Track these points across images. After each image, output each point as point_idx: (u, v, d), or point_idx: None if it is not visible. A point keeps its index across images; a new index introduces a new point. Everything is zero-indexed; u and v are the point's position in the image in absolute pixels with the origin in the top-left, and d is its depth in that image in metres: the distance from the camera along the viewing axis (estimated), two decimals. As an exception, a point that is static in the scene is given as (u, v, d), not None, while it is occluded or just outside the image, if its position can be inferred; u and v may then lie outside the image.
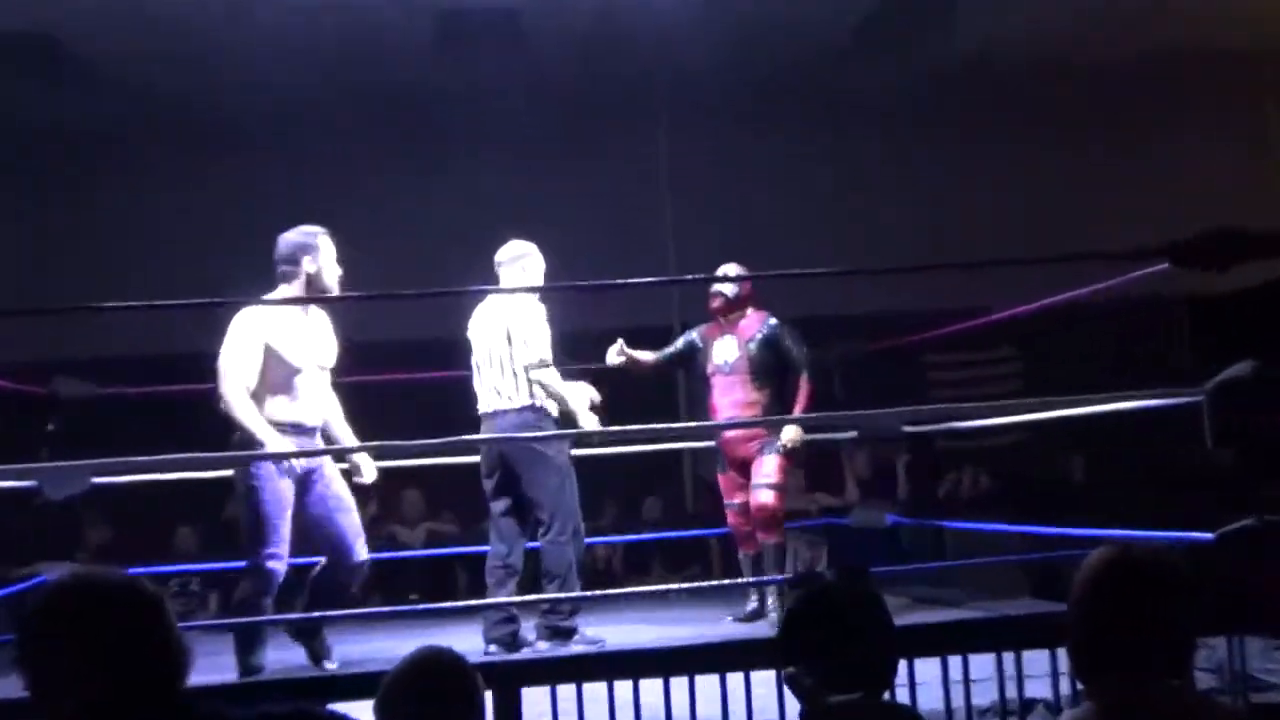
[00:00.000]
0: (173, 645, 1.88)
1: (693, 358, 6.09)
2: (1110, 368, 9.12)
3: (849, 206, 9.61)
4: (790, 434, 5.83)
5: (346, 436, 4.96)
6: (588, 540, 5.48)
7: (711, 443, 6.21)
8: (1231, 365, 3.99)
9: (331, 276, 4.82)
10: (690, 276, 7.68)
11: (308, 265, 4.77)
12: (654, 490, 9.37)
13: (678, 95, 9.36)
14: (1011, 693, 3.90)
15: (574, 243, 5.82)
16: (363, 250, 5.08)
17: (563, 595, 5.10)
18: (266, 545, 4.60)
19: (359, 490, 5.00)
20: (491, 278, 5.41)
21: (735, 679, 3.69)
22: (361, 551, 4.81)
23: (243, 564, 4.75)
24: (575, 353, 5.73)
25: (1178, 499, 7.05)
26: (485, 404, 5.33)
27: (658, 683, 3.66)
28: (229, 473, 5.06)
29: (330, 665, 4.81)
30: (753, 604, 5.93)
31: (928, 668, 3.77)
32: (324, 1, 7.79)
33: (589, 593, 5.54)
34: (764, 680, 3.66)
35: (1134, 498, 7.67)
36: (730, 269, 5.96)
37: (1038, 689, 3.94)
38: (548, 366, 5.26)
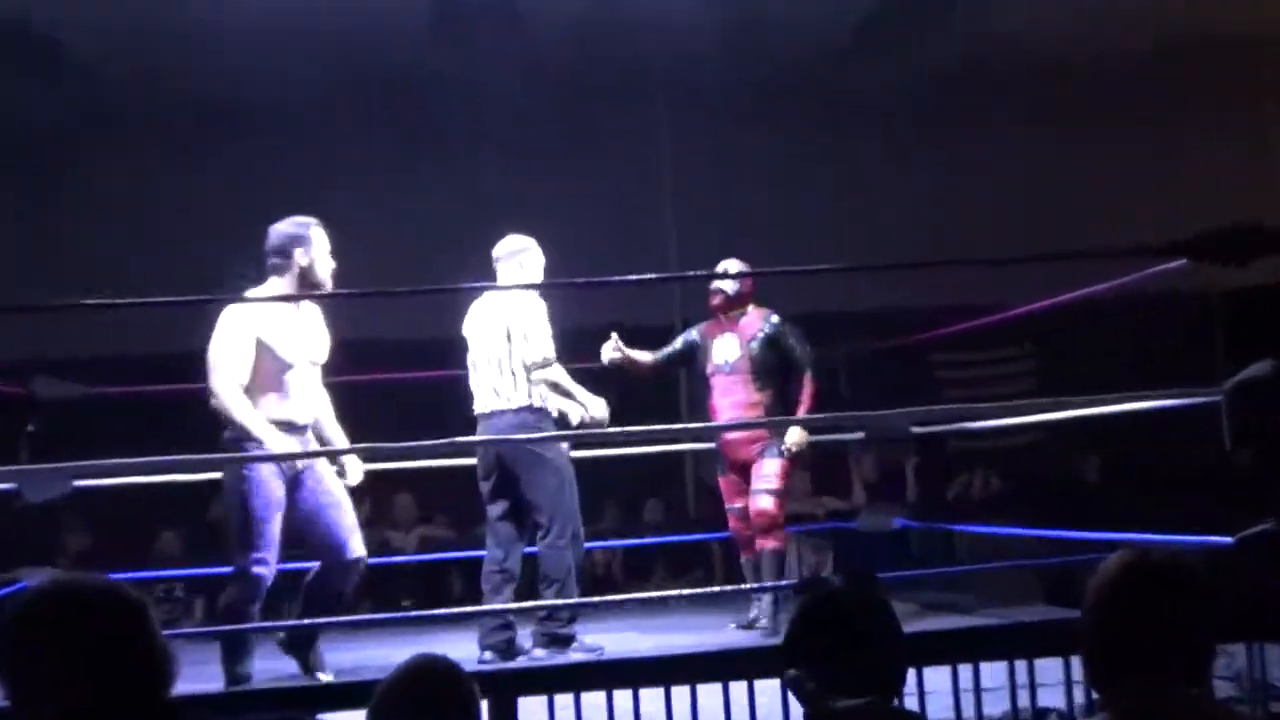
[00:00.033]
0: (156, 652, 1.88)
1: (693, 357, 6.07)
2: (1126, 366, 9.12)
3: (850, 204, 9.67)
4: (795, 436, 5.82)
5: (337, 436, 4.93)
6: (587, 544, 5.47)
7: (714, 444, 6.19)
8: (1251, 364, 3.99)
9: (325, 269, 4.78)
10: (690, 273, 7.69)
11: (300, 258, 4.73)
12: (655, 493, 9.38)
13: (678, 86, 9.42)
14: (1024, 702, 3.90)
15: (573, 238, 5.80)
16: (353, 239, 5.06)
17: (561, 601, 5.10)
18: (254, 549, 4.57)
19: (349, 493, 4.98)
20: (487, 274, 5.41)
21: (739, 688, 3.69)
22: (357, 548, 4.74)
23: (229, 569, 4.74)
24: (575, 352, 5.72)
25: (1196, 501, 7.05)
26: (482, 404, 5.32)
27: (658, 692, 3.66)
28: (214, 474, 5.06)
29: (324, 677, 4.77)
30: (755, 610, 5.94)
31: (938, 676, 3.78)
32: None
33: (588, 599, 5.54)
34: (768, 689, 3.66)
35: (1151, 500, 7.67)
36: (731, 265, 5.93)
37: (1051, 698, 3.95)
38: (552, 364, 5.25)
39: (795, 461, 5.99)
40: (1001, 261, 6.95)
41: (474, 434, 5.34)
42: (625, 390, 5.94)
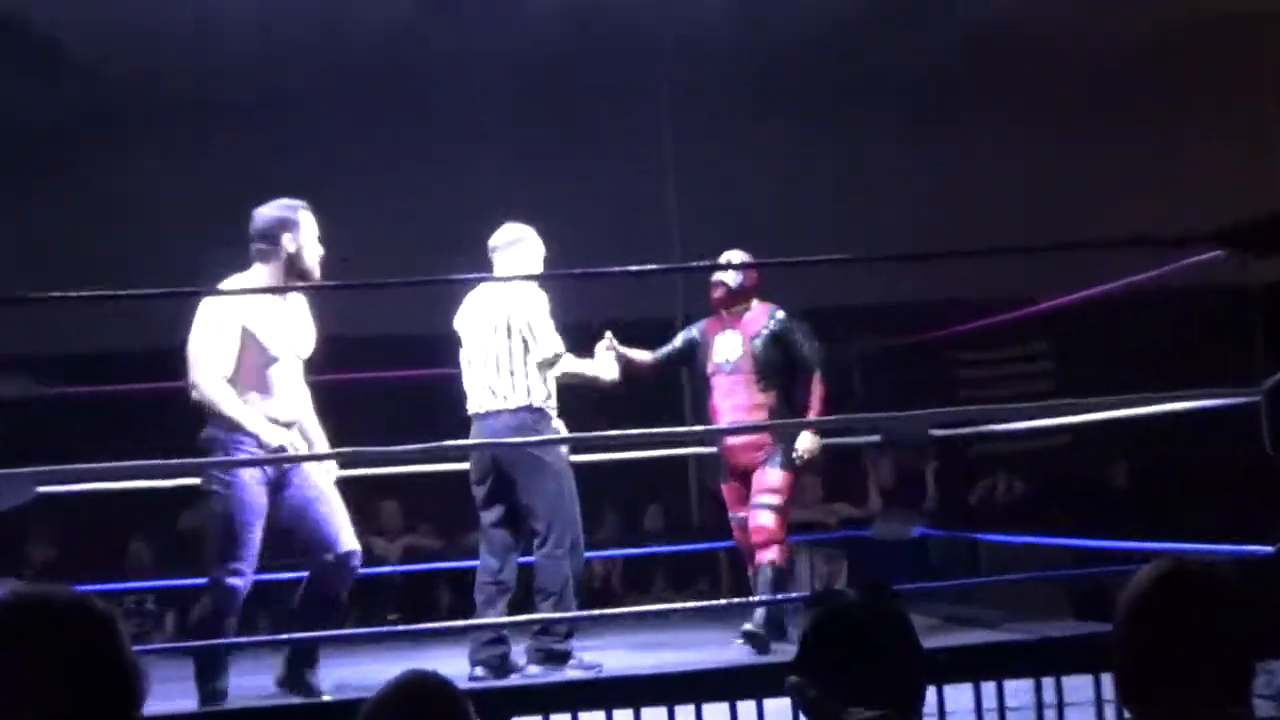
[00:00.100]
0: (125, 668, 1.88)
1: (693, 356, 5.99)
2: (1156, 364, 9.13)
3: (859, 196, 9.80)
4: (806, 442, 5.72)
5: (318, 437, 4.88)
6: (585, 554, 5.46)
7: (715, 448, 6.15)
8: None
9: (313, 256, 4.74)
10: (691, 264, 7.69)
11: (288, 243, 4.68)
12: (656, 499, 9.38)
13: (680, 74, 9.51)
14: (1051, 722, 3.90)
15: (572, 231, 5.79)
16: (348, 234, 5.06)
17: (558, 615, 5.09)
18: (230, 559, 4.53)
19: None
20: (483, 267, 5.40)
21: (746, 708, 3.69)
22: (349, 542, 4.68)
23: (202, 580, 4.72)
24: (573, 349, 5.72)
25: (1232, 508, 7.05)
26: (477, 404, 5.30)
27: (661, 712, 3.66)
28: (187, 480, 5.05)
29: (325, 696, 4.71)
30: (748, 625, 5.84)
31: (959, 695, 3.78)
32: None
33: (586, 612, 5.53)
34: (778, 710, 3.66)
35: (1184, 506, 7.69)
36: (734, 257, 5.81)
37: (1080, 718, 3.95)
38: (563, 357, 5.25)
39: (802, 470, 5.95)
40: (1029, 250, 6.98)
41: (468, 436, 5.33)
42: (625, 390, 5.93)
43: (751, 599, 5.67)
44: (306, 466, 4.70)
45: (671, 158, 9.92)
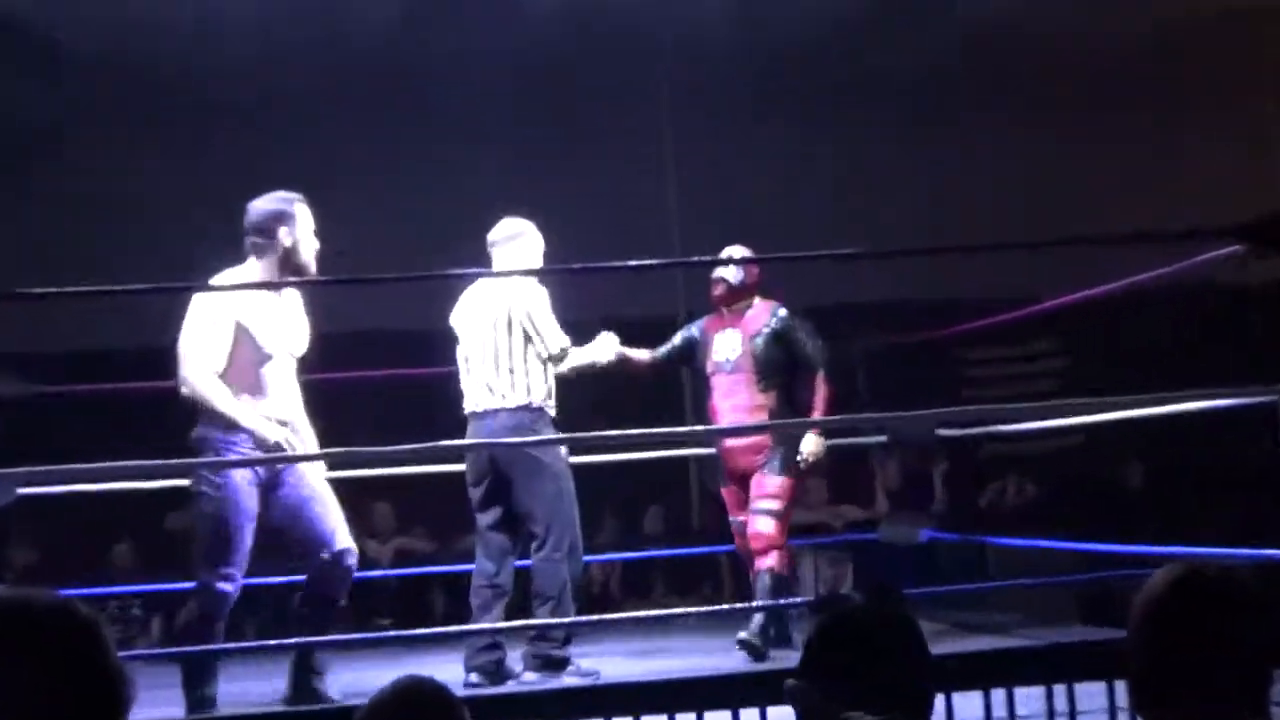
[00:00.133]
0: (111, 674, 1.88)
1: (693, 355, 5.96)
2: (1170, 362, 9.14)
3: (858, 195, 9.84)
4: (810, 445, 5.68)
5: (308, 437, 4.85)
6: (584, 558, 5.45)
7: (715, 449, 6.12)
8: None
9: (309, 251, 4.72)
10: (692, 259, 7.69)
11: (284, 237, 4.66)
12: (656, 501, 9.38)
13: (680, 69, 9.59)
14: (1063, 730, 3.90)
15: (573, 230, 5.78)
16: (344, 231, 5.06)
17: (555, 620, 5.09)
18: (220, 563, 4.52)
19: None
20: (481, 263, 5.39)
21: (749, 716, 3.70)
22: (344, 540, 4.66)
23: (189, 584, 4.71)
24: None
25: (1249, 510, 7.06)
26: (474, 402, 5.30)
27: None
28: (174, 480, 5.04)
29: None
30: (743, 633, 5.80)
31: (968, 703, 3.78)
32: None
33: (584, 618, 5.54)
34: (781, 718, 3.66)
35: (1200, 509, 7.69)
36: (735, 252, 5.79)
37: (1092, 726, 3.95)
38: (570, 353, 5.24)
39: (806, 475, 5.93)
40: (1037, 245, 7.00)
41: (464, 435, 5.32)
42: (624, 389, 5.93)
43: (753, 604, 5.64)
44: (300, 465, 4.67)
45: (672, 158, 9.99)
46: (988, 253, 7.63)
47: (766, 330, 5.77)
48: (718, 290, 5.84)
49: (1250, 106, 10.35)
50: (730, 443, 5.79)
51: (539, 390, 5.26)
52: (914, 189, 9.91)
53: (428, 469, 6.05)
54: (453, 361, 5.45)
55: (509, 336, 5.24)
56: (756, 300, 5.86)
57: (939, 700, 3.09)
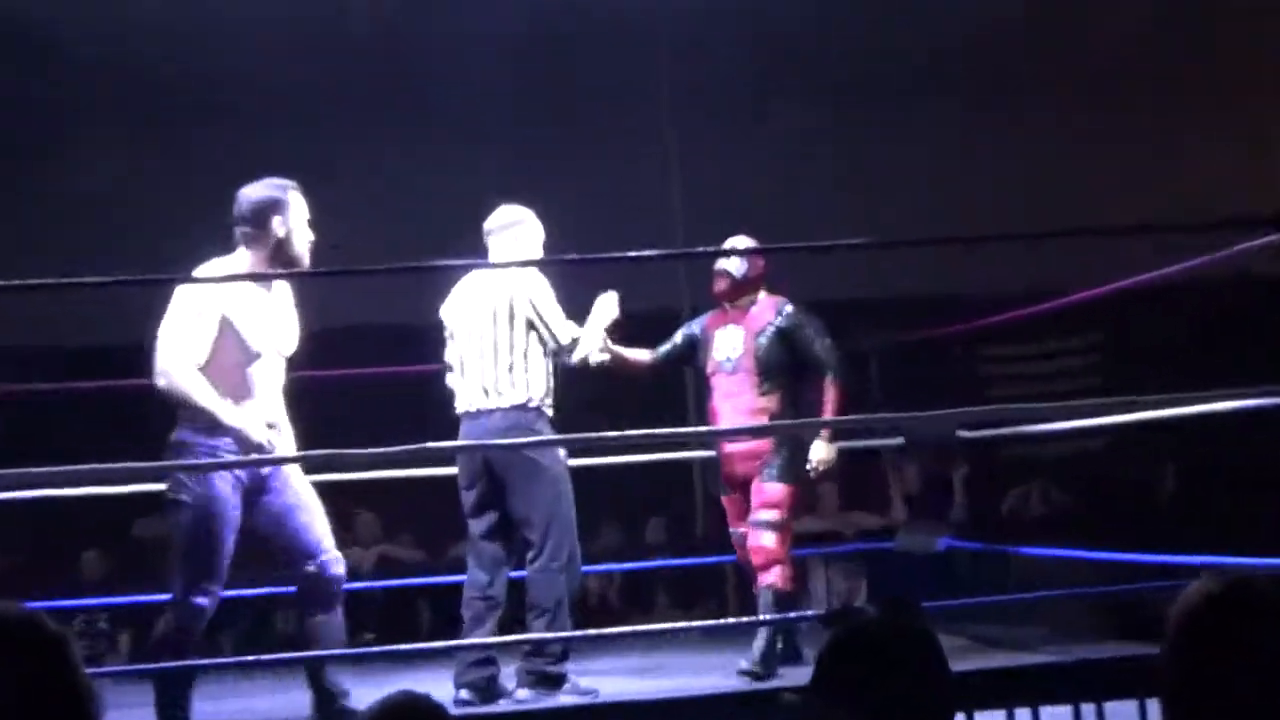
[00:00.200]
0: (79, 692, 1.88)
1: (694, 354, 5.88)
2: (1206, 359, 9.15)
3: (858, 194, 9.94)
4: (820, 453, 5.60)
5: (289, 442, 4.80)
6: (582, 569, 5.41)
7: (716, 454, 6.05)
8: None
9: (303, 242, 4.68)
10: (693, 250, 7.70)
11: (277, 227, 4.61)
12: (657, 509, 9.39)
13: (681, 54, 9.63)
14: (1092, 752, 3.91)
15: (573, 226, 5.78)
16: (340, 227, 5.06)
17: (551, 634, 5.09)
18: (199, 576, 4.49)
19: None
20: (476, 254, 5.38)
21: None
22: (330, 550, 4.63)
23: (161, 596, 4.70)
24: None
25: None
26: (468, 401, 5.26)
27: (664, 740, 3.67)
28: (146, 484, 5.03)
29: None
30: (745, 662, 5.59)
31: (991, 722, 3.78)
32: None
33: (582, 632, 5.54)
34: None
35: (1238, 515, 7.69)
36: (739, 242, 5.69)
37: (1123, 747, 3.96)
38: (578, 344, 5.24)
39: (818, 480, 5.89)
40: (1062, 234, 7.00)
41: (456, 436, 5.30)
42: (623, 387, 5.93)
43: (758, 619, 5.56)
44: (286, 470, 4.64)
45: (676, 155, 10.06)
46: (1008, 245, 7.68)
47: (771, 328, 5.66)
48: (720, 284, 5.76)
49: (1250, 106, 10.66)
50: (729, 447, 5.71)
51: (538, 388, 5.23)
52: (914, 187, 10.09)
53: (416, 472, 6.04)
54: (436, 359, 5.44)
55: (510, 329, 5.22)
56: (762, 295, 5.78)
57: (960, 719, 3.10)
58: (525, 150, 9.46)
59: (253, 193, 4.66)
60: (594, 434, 5.23)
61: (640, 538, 9.18)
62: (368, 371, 7.08)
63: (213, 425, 4.49)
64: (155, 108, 9.26)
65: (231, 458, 4.50)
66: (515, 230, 5.36)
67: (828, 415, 5.56)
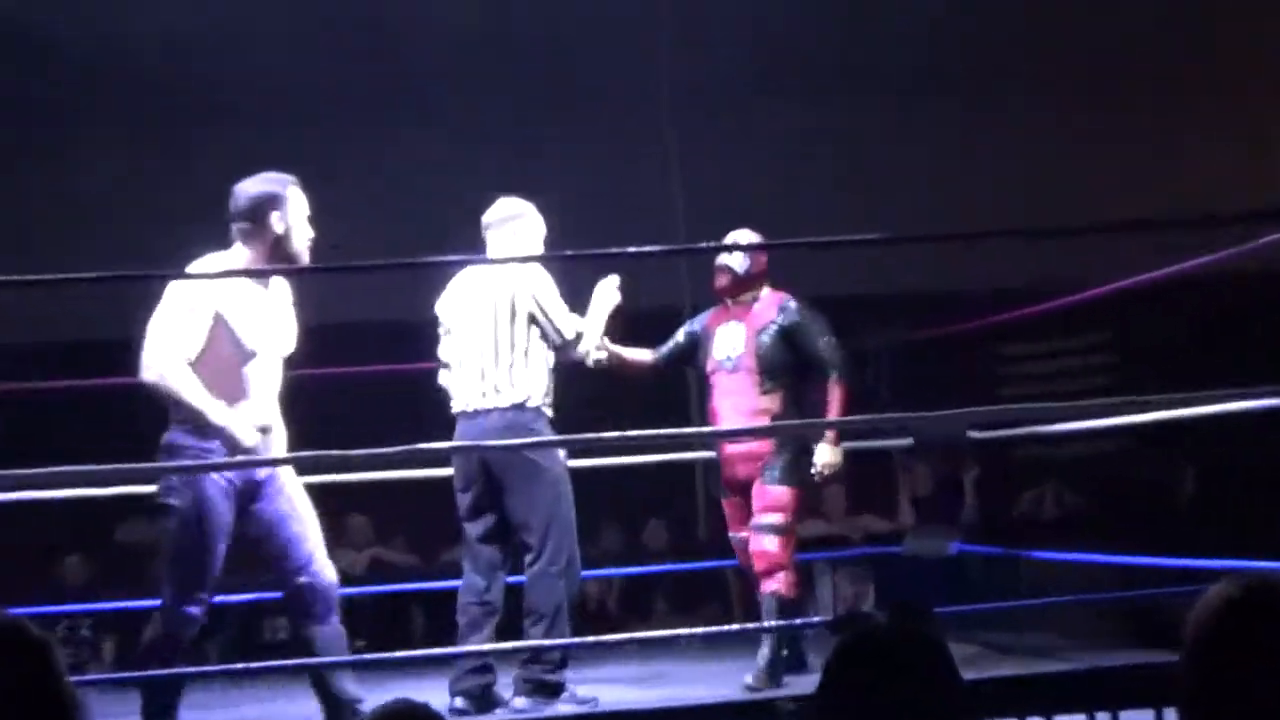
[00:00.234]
0: (64, 700, 1.89)
1: (695, 353, 5.85)
2: (1231, 356, 9.16)
3: (866, 191, 9.96)
4: (826, 456, 5.56)
5: (281, 447, 4.78)
6: (581, 573, 5.39)
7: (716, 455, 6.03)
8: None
9: (302, 239, 4.63)
10: (694, 246, 7.70)
11: (276, 223, 4.57)
12: (658, 511, 9.39)
13: (680, 41, 9.66)
14: (1107, 762, 3.92)
15: (574, 222, 5.78)
16: (338, 224, 5.06)
17: (549, 641, 5.10)
18: (189, 583, 4.48)
19: None
20: (473, 248, 5.38)
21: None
22: (323, 566, 4.60)
23: (146, 602, 4.70)
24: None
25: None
26: (466, 401, 5.25)
27: (666, 750, 3.68)
28: (133, 486, 5.02)
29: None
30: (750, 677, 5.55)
31: (1003, 732, 3.78)
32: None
33: (580, 639, 5.54)
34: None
35: (1260, 518, 7.68)
36: (741, 236, 5.70)
37: (1139, 757, 3.96)
38: (583, 337, 5.23)
39: (824, 484, 5.87)
40: (1089, 230, 7.05)
41: (452, 437, 5.29)
42: (621, 387, 5.92)
43: (763, 624, 5.55)
44: (282, 478, 4.61)
45: (676, 154, 10.11)
46: (1009, 242, 7.76)
47: (773, 326, 5.63)
48: (722, 280, 5.72)
49: (1250, 106, 10.84)
50: (730, 449, 5.68)
51: (539, 387, 5.22)
52: (914, 187, 10.16)
53: (410, 474, 6.03)
54: (429, 357, 5.44)
55: (511, 326, 5.20)
56: (765, 291, 5.75)
57: (971, 729, 3.10)
58: (524, 149, 9.49)
59: (250, 187, 4.62)
60: (594, 435, 5.22)
61: (640, 541, 9.18)
62: (363, 370, 7.08)
63: (203, 427, 4.45)
64: (155, 108, 9.33)
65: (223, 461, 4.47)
66: (515, 224, 5.36)
67: (832, 417, 5.52)
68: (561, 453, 5.30)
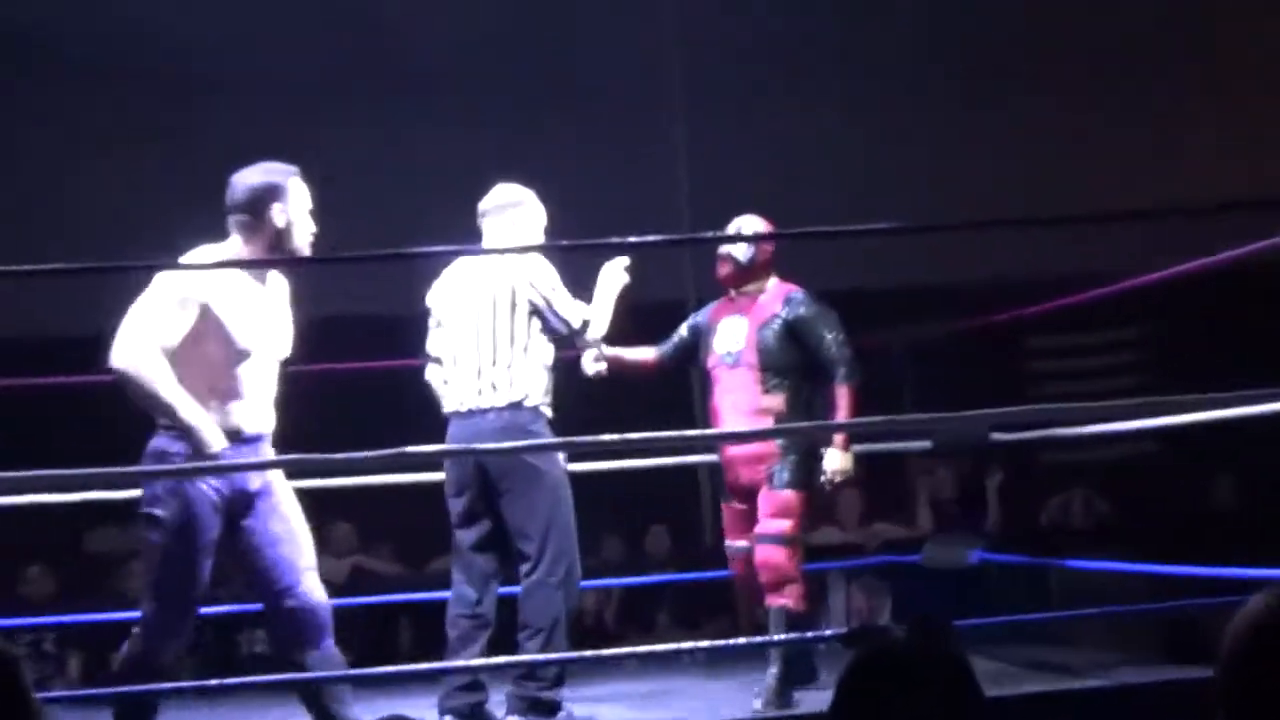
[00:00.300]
0: (31, 716, 1.90)
1: (697, 349, 5.81)
2: (1273, 354, 9.16)
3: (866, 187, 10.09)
4: (836, 462, 5.48)
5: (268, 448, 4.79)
6: (580, 584, 5.37)
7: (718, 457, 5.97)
8: None
9: (303, 233, 4.56)
10: (697, 235, 7.72)
11: (276, 217, 4.49)
12: (660, 518, 9.40)
13: (690, 27, 9.83)
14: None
15: (576, 213, 5.79)
16: (335, 222, 5.06)
17: (545, 657, 5.10)
18: (170, 599, 4.43)
19: None
20: (471, 237, 5.39)
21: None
22: (311, 589, 4.51)
23: (115, 615, 4.70)
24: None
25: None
26: (460, 399, 5.23)
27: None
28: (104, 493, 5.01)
29: None
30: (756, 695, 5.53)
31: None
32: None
33: (578, 653, 5.55)
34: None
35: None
36: (746, 223, 5.65)
37: (1173, 779, 3.97)
38: (590, 324, 5.23)
39: (836, 490, 5.84)
40: (1119, 217, 7.08)
41: (444, 439, 5.28)
42: (621, 385, 5.93)
43: (769, 639, 5.51)
44: (279, 490, 4.56)
45: (684, 150, 10.20)
46: (1010, 238, 7.81)
47: (777, 320, 5.56)
48: (725, 270, 5.67)
49: (1250, 106, 11.13)
50: (731, 450, 5.64)
51: (538, 385, 5.21)
52: (915, 186, 10.29)
53: (398, 478, 6.02)
54: (417, 353, 5.44)
55: (510, 320, 5.19)
56: (772, 282, 5.69)
57: (994, 750, 3.11)
58: (528, 139, 9.57)
59: (249, 178, 4.55)
60: (594, 438, 5.21)
61: (641, 550, 9.18)
62: (351, 366, 7.09)
63: (170, 415, 4.34)
64: (155, 108, 9.55)
65: (216, 474, 4.39)
66: (514, 212, 5.34)
67: (842, 420, 5.46)
68: (561, 457, 5.29)
